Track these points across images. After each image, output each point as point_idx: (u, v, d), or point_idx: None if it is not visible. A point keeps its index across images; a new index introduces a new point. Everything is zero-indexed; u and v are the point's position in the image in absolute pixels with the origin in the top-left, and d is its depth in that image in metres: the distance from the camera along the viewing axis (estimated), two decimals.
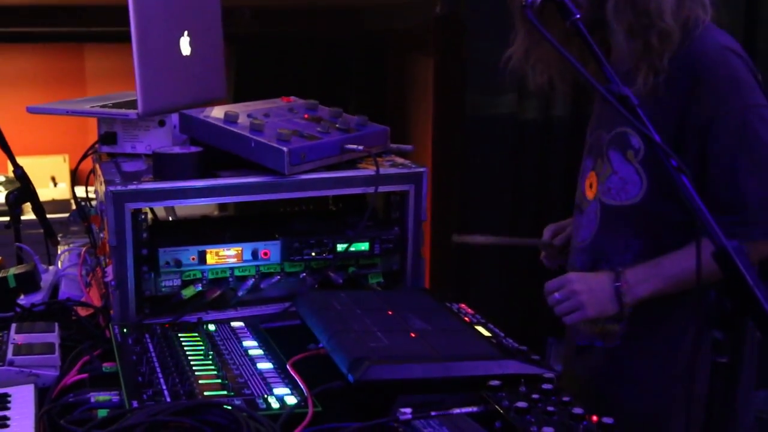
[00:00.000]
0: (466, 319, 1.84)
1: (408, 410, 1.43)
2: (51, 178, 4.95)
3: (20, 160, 2.40)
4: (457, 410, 1.46)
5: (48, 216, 2.46)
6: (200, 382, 1.49)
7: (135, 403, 1.40)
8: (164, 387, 1.47)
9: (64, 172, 4.98)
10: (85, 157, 2.12)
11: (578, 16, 1.42)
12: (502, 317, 3.56)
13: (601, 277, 1.83)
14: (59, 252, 2.34)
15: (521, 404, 1.44)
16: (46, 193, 4.73)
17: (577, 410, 1.44)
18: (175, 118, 2.02)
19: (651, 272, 1.80)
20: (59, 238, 2.47)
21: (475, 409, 1.47)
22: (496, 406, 1.44)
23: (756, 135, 1.72)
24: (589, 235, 1.96)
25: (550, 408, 1.44)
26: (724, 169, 1.74)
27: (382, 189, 1.97)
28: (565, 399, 1.48)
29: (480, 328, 1.78)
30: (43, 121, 4.77)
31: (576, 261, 2.01)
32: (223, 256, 1.90)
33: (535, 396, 1.48)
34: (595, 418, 1.42)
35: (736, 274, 1.18)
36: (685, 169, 1.28)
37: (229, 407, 1.35)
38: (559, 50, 1.37)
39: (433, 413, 1.44)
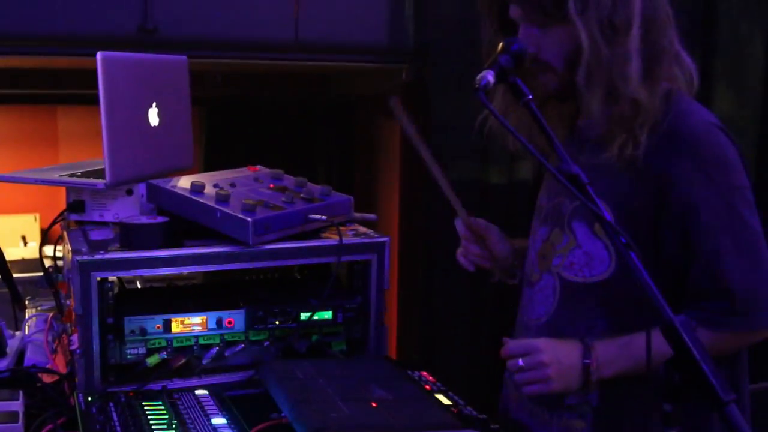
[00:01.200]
0: (427, 387, 1.87)
1: None
2: (21, 237, 4.96)
3: None
4: None
5: (18, 275, 2.48)
6: None
7: None
8: None
9: (34, 232, 4.98)
10: (53, 224, 2.15)
11: (530, 97, 1.48)
12: (467, 382, 3.59)
13: (571, 350, 1.71)
14: (26, 317, 2.36)
15: None
16: (16, 252, 4.72)
17: None
18: (142, 187, 2.05)
19: (622, 353, 1.68)
20: (28, 300, 2.48)
21: None
22: None
23: (741, 218, 1.67)
24: (546, 314, 1.85)
25: None
26: (708, 253, 1.67)
27: (345, 259, 2.02)
28: None
29: (440, 397, 1.81)
30: None
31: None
32: (188, 324, 1.92)
33: None
34: None
35: (683, 349, 1.23)
36: (633, 246, 1.33)
37: None
38: (508, 128, 1.41)
39: None
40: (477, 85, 1.44)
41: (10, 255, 4.47)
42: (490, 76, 1.45)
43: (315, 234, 2.06)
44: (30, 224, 4.98)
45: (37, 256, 4.62)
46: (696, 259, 1.68)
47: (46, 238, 2.24)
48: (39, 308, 2.41)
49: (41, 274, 2.23)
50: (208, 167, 4.13)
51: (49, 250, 2.25)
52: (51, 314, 2.23)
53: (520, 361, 1.71)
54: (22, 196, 4.93)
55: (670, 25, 1.71)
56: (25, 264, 4.50)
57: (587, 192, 1.38)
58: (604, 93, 1.65)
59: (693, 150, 1.66)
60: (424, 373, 1.96)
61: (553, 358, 1.70)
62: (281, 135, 4.56)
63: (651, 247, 1.69)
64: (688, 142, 1.67)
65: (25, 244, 4.95)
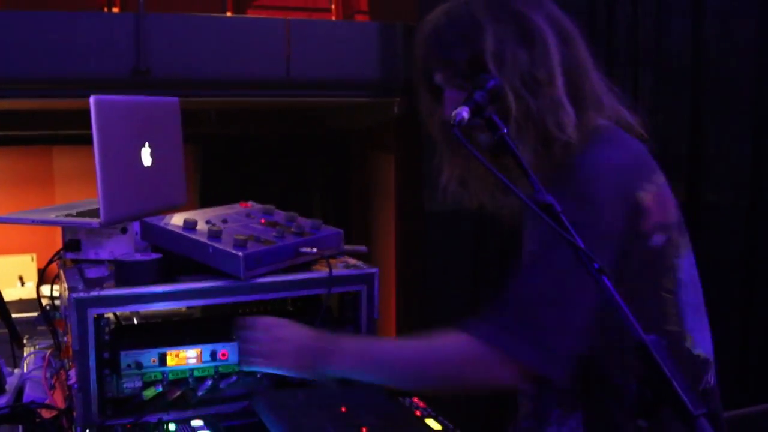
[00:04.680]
0: (418, 413, 1.92)
1: None
2: (19, 277, 5.01)
3: None
4: None
5: (16, 315, 2.53)
6: None
7: None
8: None
9: (31, 271, 5.04)
10: (50, 263, 2.20)
11: (505, 130, 1.53)
12: (461, 406, 3.63)
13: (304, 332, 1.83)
14: (25, 355, 2.40)
15: None
16: (13, 292, 4.77)
17: None
18: (136, 225, 2.11)
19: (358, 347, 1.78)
20: (26, 339, 2.53)
21: None
22: None
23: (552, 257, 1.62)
24: None
25: None
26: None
27: (335, 290, 2.07)
28: None
29: (430, 421, 1.86)
30: None
31: None
32: (183, 357, 1.97)
33: None
34: None
35: (655, 366, 1.28)
36: (606, 271, 1.38)
37: None
38: (486, 165, 1.45)
39: None
40: (452, 122, 1.48)
41: (8, 295, 4.52)
42: (464, 112, 1.49)
43: (306, 267, 2.11)
44: (27, 264, 5.03)
45: (34, 296, 4.67)
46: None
47: (43, 277, 2.29)
48: (37, 346, 2.46)
49: (38, 313, 2.28)
50: (203, 203, 4.19)
51: (46, 289, 2.30)
52: (49, 351, 2.27)
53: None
54: (19, 237, 4.98)
55: (593, 69, 1.73)
56: (22, 304, 4.55)
57: (561, 220, 1.43)
58: (538, 142, 1.66)
59: (566, 181, 1.63)
60: (415, 399, 2.01)
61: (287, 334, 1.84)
62: (276, 170, 4.63)
63: None
64: (569, 173, 1.64)
65: (23, 284, 5.00)
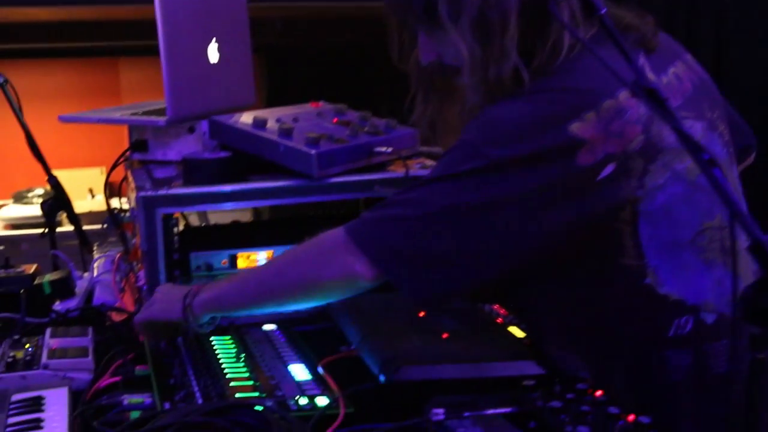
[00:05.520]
0: (499, 320, 1.83)
1: (441, 411, 1.41)
2: (89, 190, 5.02)
3: (58, 173, 2.45)
4: (490, 411, 1.44)
5: (86, 227, 2.51)
6: (232, 383, 1.49)
7: (167, 405, 1.41)
8: (196, 389, 1.47)
9: (100, 184, 5.01)
10: (117, 164, 2.13)
11: (604, 11, 1.41)
12: None
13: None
14: (94, 259, 2.37)
15: (555, 404, 1.42)
16: (83, 204, 4.78)
17: (613, 409, 1.42)
18: (204, 124, 2.03)
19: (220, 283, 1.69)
20: (95, 247, 2.50)
21: (508, 409, 1.46)
22: (530, 406, 1.43)
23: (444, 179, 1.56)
24: None
25: (584, 407, 1.42)
26: None
27: None
28: (600, 398, 1.46)
29: (513, 329, 1.77)
30: (80, 134, 4.83)
31: None
32: (254, 259, 1.90)
33: (569, 395, 1.47)
34: (631, 417, 1.40)
35: None
36: (717, 162, 1.26)
37: (260, 408, 1.35)
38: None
39: (466, 414, 1.43)
40: None
41: (78, 208, 4.52)
42: None
43: (381, 167, 2.02)
44: (96, 177, 5.03)
45: (104, 208, 4.69)
46: None
47: (109, 183, 2.22)
48: (107, 252, 2.42)
49: (107, 218, 2.23)
50: None
51: (114, 202, 2.25)
52: (118, 255, 2.23)
53: None
54: (89, 150, 4.98)
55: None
56: (92, 216, 4.55)
57: (666, 107, 1.31)
58: (486, 92, 1.56)
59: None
60: (496, 306, 1.92)
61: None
62: (343, 79, 4.53)
63: None
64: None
65: (93, 196, 5.01)
